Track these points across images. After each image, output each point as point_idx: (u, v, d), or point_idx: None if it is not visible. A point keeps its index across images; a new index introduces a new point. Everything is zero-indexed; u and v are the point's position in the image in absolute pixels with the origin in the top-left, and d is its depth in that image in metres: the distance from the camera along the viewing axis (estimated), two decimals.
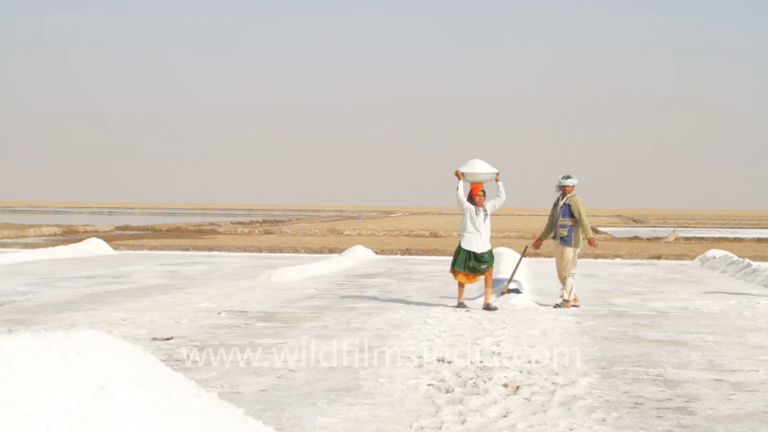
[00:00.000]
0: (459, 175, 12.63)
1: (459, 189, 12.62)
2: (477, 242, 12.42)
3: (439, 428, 5.77)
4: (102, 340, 4.32)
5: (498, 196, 12.66)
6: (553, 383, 7.18)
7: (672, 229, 56.49)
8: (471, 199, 12.61)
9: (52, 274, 17.49)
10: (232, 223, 68.24)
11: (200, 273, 18.59)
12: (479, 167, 12.63)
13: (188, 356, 8.27)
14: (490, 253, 12.55)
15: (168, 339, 9.33)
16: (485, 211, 12.54)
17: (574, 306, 12.73)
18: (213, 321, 10.82)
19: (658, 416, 6.19)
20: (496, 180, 12.67)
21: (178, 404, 4.15)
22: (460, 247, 12.53)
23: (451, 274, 12.70)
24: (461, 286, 12.63)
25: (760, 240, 44.60)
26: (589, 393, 6.87)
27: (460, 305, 12.40)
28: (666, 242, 40.60)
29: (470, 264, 12.41)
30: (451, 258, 13.76)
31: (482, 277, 12.62)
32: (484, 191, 12.65)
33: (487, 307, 12.24)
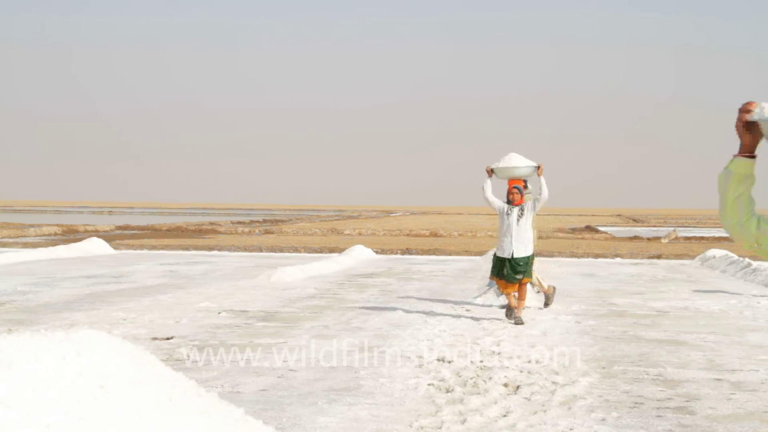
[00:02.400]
0: (488, 172, 11.07)
1: (485, 187, 11.12)
2: (508, 247, 10.94)
3: (439, 428, 5.77)
4: (102, 340, 4.32)
5: (539, 193, 10.95)
6: (553, 383, 7.18)
7: (672, 228, 56.45)
8: (507, 197, 11.17)
9: (52, 274, 17.49)
10: (232, 222, 68.24)
11: (200, 273, 18.58)
12: (514, 161, 11.01)
13: (188, 356, 8.27)
14: (526, 260, 10.97)
15: (168, 339, 9.33)
16: (521, 210, 10.96)
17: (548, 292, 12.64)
18: (213, 321, 10.82)
19: (658, 416, 6.19)
20: (538, 174, 10.94)
21: (178, 404, 4.14)
22: (494, 254, 11.26)
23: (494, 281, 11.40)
24: (508, 294, 11.12)
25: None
26: (589, 393, 6.86)
27: (510, 311, 11.01)
28: (663, 241, 40.55)
29: (504, 272, 10.96)
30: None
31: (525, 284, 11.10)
32: (519, 188, 11.08)
33: (515, 319, 10.84)
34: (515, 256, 10.91)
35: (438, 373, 7.50)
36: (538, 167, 10.92)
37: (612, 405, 6.48)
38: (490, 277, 11.41)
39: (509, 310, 11.03)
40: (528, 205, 11.02)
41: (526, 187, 11.49)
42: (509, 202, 11.10)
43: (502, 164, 11.01)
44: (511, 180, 11.14)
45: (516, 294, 11.16)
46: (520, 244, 10.94)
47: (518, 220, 10.95)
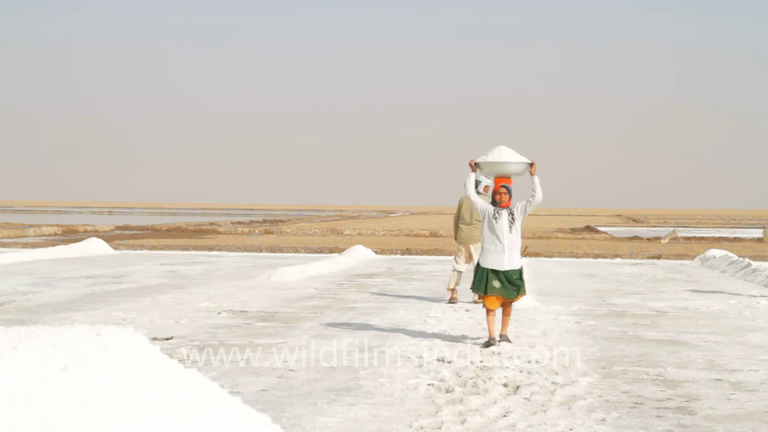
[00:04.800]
0: (472, 166, 9.48)
1: (467, 184, 9.61)
2: (499, 258, 9.20)
3: (439, 428, 5.77)
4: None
5: (532, 195, 9.30)
6: (553, 383, 7.18)
7: (672, 228, 56.39)
8: (493, 197, 9.50)
9: (52, 274, 17.48)
10: (231, 222, 68.22)
11: (200, 273, 18.58)
12: (505, 155, 9.35)
13: (188, 356, 8.27)
14: (519, 273, 9.28)
15: (168, 339, 9.33)
16: (511, 214, 9.27)
17: (452, 301, 13.19)
18: (213, 321, 10.82)
19: (658, 416, 6.19)
20: (531, 173, 9.29)
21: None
22: (478, 264, 9.42)
23: (473, 297, 9.60)
24: (489, 313, 9.30)
25: (760, 240, 44.58)
26: (589, 393, 6.87)
27: (489, 342, 9.09)
28: (663, 241, 40.51)
29: (494, 284, 9.18)
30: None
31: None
32: (507, 188, 9.39)
33: (504, 339, 9.30)
34: (507, 268, 9.21)
35: (438, 373, 7.51)
36: (531, 165, 9.35)
37: (612, 405, 6.48)
38: (477, 296, 9.58)
39: (490, 341, 9.15)
40: (518, 208, 9.36)
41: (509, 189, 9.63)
42: (495, 203, 9.42)
43: (489, 158, 9.42)
44: (499, 178, 9.61)
45: (500, 310, 9.55)
46: (513, 254, 9.26)
47: (510, 226, 9.27)
